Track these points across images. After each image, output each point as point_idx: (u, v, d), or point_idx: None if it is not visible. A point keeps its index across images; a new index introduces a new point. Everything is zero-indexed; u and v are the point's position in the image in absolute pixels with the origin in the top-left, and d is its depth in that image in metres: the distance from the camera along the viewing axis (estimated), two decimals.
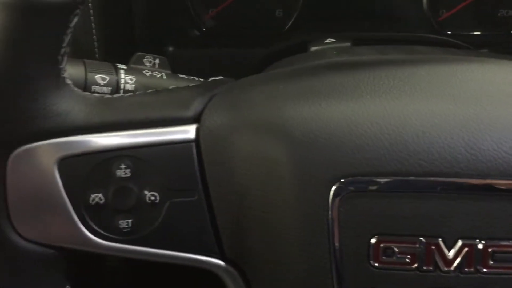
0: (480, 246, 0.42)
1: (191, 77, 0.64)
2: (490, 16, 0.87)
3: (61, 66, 0.45)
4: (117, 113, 0.48)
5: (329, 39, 0.70)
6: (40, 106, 0.45)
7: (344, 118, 0.44)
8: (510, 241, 0.42)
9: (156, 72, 0.62)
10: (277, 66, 0.63)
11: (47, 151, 0.46)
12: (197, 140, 0.47)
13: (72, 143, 0.46)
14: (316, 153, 0.43)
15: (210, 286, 0.51)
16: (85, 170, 0.46)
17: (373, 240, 0.43)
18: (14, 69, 0.43)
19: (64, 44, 0.44)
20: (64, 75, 0.46)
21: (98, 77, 0.58)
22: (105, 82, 0.58)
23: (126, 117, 0.48)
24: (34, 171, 0.46)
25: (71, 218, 0.47)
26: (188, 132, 0.47)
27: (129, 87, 0.59)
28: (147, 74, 0.61)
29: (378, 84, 0.46)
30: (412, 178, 0.42)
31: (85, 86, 0.57)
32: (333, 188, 0.43)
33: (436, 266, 0.42)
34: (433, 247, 0.42)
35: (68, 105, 0.46)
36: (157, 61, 0.63)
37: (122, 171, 0.46)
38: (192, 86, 0.54)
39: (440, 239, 0.42)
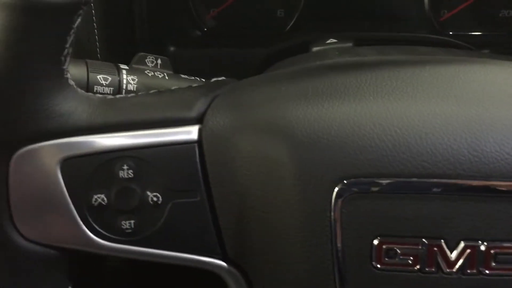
0: (482, 247, 0.42)
1: (193, 77, 0.64)
2: (492, 16, 0.87)
3: (64, 67, 0.45)
4: (120, 114, 0.48)
5: (331, 39, 0.70)
6: (43, 106, 0.45)
7: (346, 119, 0.44)
8: None
9: (158, 73, 0.62)
10: (279, 67, 0.63)
11: (50, 152, 0.46)
12: (199, 141, 0.47)
13: (75, 143, 0.46)
14: (318, 154, 0.43)
15: (212, 286, 0.51)
16: (88, 170, 0.46)
17: (375, 242, 0.43)
18: (18, 70, 0.43)
19: (67, 45, 0.44)
20: (67, 76, 0.46)
21: (100, 77, 0.58)
22: (107, 82, 0.58)
23: (128, 118, 0.48)
24: (36, 172, 0.46)
25: (74, 219, 0.47)
26: (191, 133, 0.47)
27: (131, 87, 0.59)
28: (149, 74, 0.61)
29: (381, 85, 0.46)
30: (414, 179, 0.42)
31: (87, 86, 0.57)
32: (336, 189, 0.43)
33: (439, 268, 0.42)
34: (435, 249, 0.42)
35: (71, 106, 0.46)
36: (159, 61, 0.63)
37: (125, 172, 0.46)
38: (195, 86, 0.54)
39: (442, 240, 0.42)
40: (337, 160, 0.43)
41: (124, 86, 0.59)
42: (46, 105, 0.45)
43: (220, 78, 0.58)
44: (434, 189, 0.42)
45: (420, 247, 0.42)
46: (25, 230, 0.47)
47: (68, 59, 0.45)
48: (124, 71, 0.60)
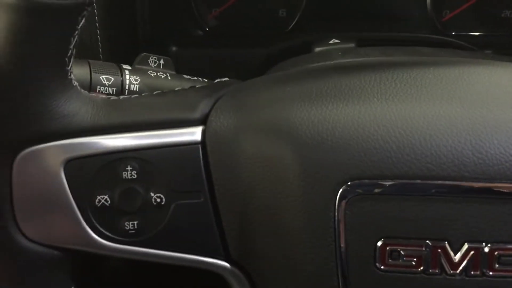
0: (486, 249, 0.42)
1: (196, 78, 0.64)
2: (494, 16, 0.87)
3: (68, 68, 0.45)
4: (124, 115, 0.48)
5: (334, 39, 0.70)
6: (46, 107, 0.45)
7: (351, 121, 0.44)
8: None
9: (161, 73, 0.62)
10: (282, 67, 0.63)
11: (54, 153, 0.46)
12: (203, 142, 0.47)
13: (79, 144, 0.46)
14: (322, 155, 0.43)
15: (214, 287, 0.51)
16: (92, 171, 0.46)
17: (379, 243, 0.43)
18: (22, 71, 0.43)
19: (71, 46, 0.44)
20: (71, 77, 0.46)
21: (103, 77, 0.58)
22: (110, 83, 0.58)
23: (132, 119, 0.48)
24: (40, 173, 0.46)
25: (77, 220, 0.47)
26: (194, 134, 0.47)
27: (134, 87, 0.59)
28: (152, 74, 0.61)
29: (385, 86, 0.46)
30: (418, 181, 0.42)
31: (90, 86, 0.57)
32: (340, 190, 0.43)
33: (442, 269, 0.42)
34: (439, 250, 0.42)
35: (75, 107, 0.46)
36: (161, 61, 0.63)
37: (128, 173, 0.46)
38: (198, 87, 0.54)
39: (446, 242, 0.42)
40: (341, 161, 0.43)
41: (127, 87, 0.59)
42: (50, 106, 0.45)
43: (223, 79, 0.58)
44: (438, 191, 0.42)
45: (424, 248, 0.42)
46: (28, 231, 0.47)
47: (71, 60, 0.45)
48: (127, 72, 0.60)
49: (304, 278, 0.45)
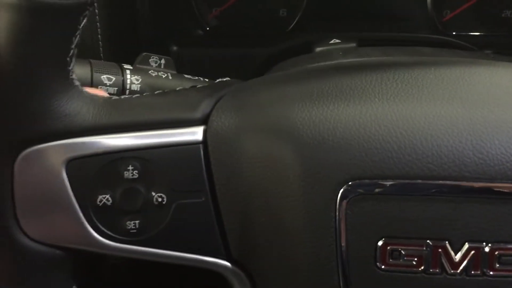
0: (486, 249, 0.42)
1: (197, 77, 0.64)
2: (494, 16, 0.87)
3: (69, 68, 0.45)
4: (125, 115, 0.48)
5: (334, 39, 0.70)
6: (48, 107, 0.45)
7: (352, 121, 0.44)
8: None
9: (162, 73, 0.62)
10: (282, 67, 0.63)
11: (55, 152, 0.46)
12: (204, 141, 0.47)
13: (80, 144, 0.46)
14: (323, 155, 0.43)
15: (215, 286, 0.51)
16: (93, 171, 0.47)
17: (380, 243, 0.43)
18: (23, 71, 0.43)
19: (73, 46, 0.44)
20: (72, 77, 0.46)
21: (104, 77, 0.58)
22: (111, 82, 0.58)
23: (133, 119, 0.48)
24: (42, 172, 0.46)
25: (79, 219, 0.47)
26: (196, 133, 0.48)
27: (135, 87, 0.59)
28: (153, 74, 0.61)
29: (386, 87, 0.46)
30: (419, 181, 0.42)
31: (91, 86, 0.57)
32: (341, 190, 0.43)
33: (443, 269, 0.43)
34: (440, 250, 0.42)
35: (77, 106, 0.46)
36: (162, 61, 0.63)
37: (130, 173, 0.47)
38: (200, 87, 0.54)
39: (447, 242, 0.42)
40: (342, 161, 0.43)
41: (128, 86, 0.59)
42: (51, 106, 0.45)
43: (224, 79, 0.59)
44: (439, 191, 0.42)
45: (424, 248, 0.42)
46: (30, 230, 0.47)
47: (73, 60, 0.45)
48: (128, 71, 0.60)
49: (305, 278, 0.45)
